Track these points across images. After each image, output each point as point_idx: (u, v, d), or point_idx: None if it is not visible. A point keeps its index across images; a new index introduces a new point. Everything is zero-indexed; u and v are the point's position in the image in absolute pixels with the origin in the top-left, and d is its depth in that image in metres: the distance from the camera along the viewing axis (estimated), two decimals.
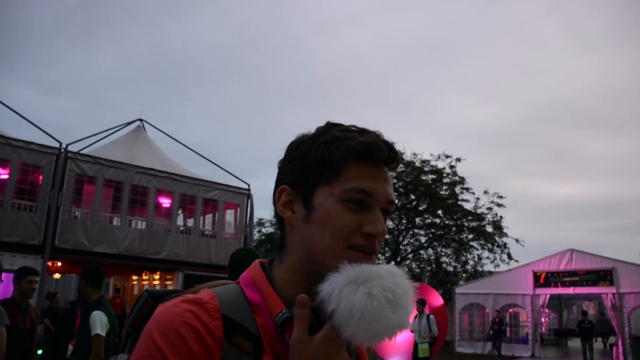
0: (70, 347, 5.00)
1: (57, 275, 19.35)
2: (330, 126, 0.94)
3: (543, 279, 19.62)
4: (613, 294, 18.09)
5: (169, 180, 15.94)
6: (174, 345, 0.76)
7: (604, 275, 18.47)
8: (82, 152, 14.68)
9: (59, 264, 15.72)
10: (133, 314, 1.04)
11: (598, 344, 24.79)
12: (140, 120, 18.36)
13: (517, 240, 26.52)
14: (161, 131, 18.40)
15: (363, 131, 0.92)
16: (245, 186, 17.93)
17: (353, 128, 0.93)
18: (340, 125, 0.95)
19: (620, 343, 18.05)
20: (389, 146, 0.91)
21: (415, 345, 10.34)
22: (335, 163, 0.88)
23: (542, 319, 21.52)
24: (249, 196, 17.83)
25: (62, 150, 13.86)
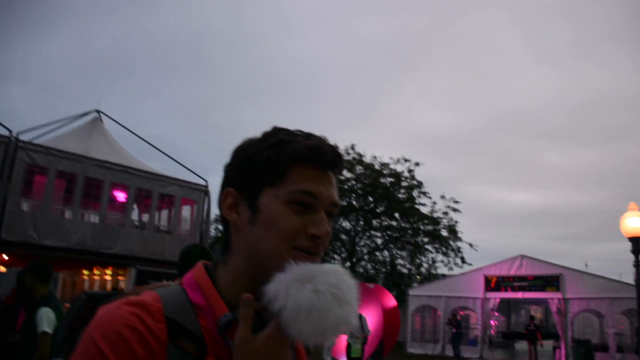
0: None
1: (2, 269, 18.70)
2: (276, 130, 0.95)
3: (494, 284, 20.16)
4: (559, 299, 18.75)
5: (125, 173, 15.59)
6: (117, 349, 0.75)
7: (551, 281, 19.12)
8: (34, 141, 14.20)
9: (5, 257, 15.18)
10: (70, 317, 1.02)
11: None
12: (97, 111, 17.91)
13: (470, 245, 27.19)
14: (118, 123, 17.99)
15: (309, 135, 0.94)
16: (203, 182, 17.72)
17: (299, 132, 0.94)
18: (286, 129, 0.95)
19: (563, 346, 18.72)
20: (334, 150, 0.92)
21: (349, 345, 10.33)
22: (281, 166, 0.89)
23: (492, 322, 22.10)
24: (206, 192, 17.63)
25: (13, 139, 13.39)
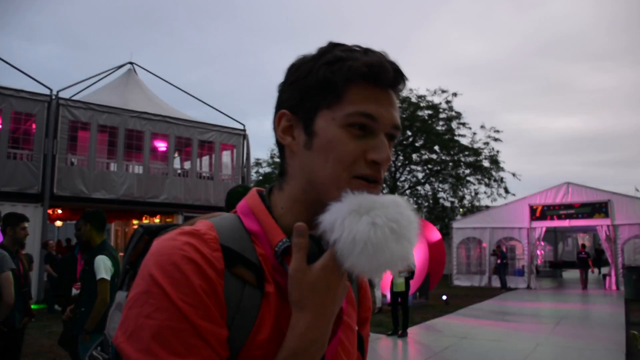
0: (74, 290, 5.06)
1: (58, 223, 19.52)
2: (332, 46, 0.88)
3: (539, 213, 19.87)
4: (608, 225, 18.38)
5: (164, 123, 15.79)
6: (174, 280, 0.73)
7: (599, 208, 18.71)
8: (73, 98, 14.44)
9: (59, 211, 15.80)
10: (129, 251, 0.98)
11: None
12: (131, 63, 18.00)
13: (513, 175, 26.71)
14: (152, 74, 18.09)
15: (367, 51, 0.86)
16: (241, 127, 17.81)
17: (357, 48, 0.87)
18: (343, 45, 0.88)
19: (613, 273, 18.51)
20: (395, 67, 0.85)
21: (393, 279, 9.94)
22: (338, 85, 0.82)
23: (538, 252, 21.95)
24: (244, 137, 17.74)
25: (54, 97, 13.64)
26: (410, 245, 0.79)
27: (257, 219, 0.86)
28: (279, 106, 0.90)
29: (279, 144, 0.90)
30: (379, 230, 0.75)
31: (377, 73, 0.83)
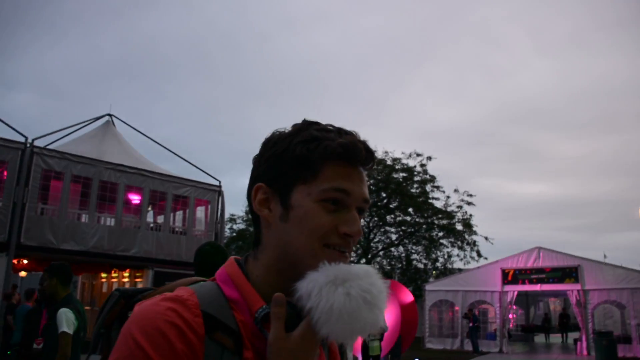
0: (35, 345, 4.88)
1: (22, 274, 18.90)
2: (307, 124, 0.94)
3: (511, 276, 20.00)
4: (578, 290, 18.55)
5: (139, 176, 15.69)
6: (157, 344, 0.75)
7: (569, 273, 18.92)
8: (48, 147, 14.33)
9: (25, 261, 15.34)
10: (104, 314, 1.01)
11: (558, 338, 25.46)
12: (110, 115, 18.03)
13: (486, 238, 26.98)
14: (130, 126, 18.09)
15: (340, 131, 0.93)
16: (217, 183, 17.79)
17: (330, 127, 0.94)
18: (317, 123, 0.94)
19: (584, 338, 18.52)
20: (366, 147, 0.92)
21: (364, 343, 10.00)
22: (314, 163, 0.88)
23: (510, 316, 21.94)
24: (219, 193, 17.69)
25: (28, 145, 13.51)
26: (381, 313, 0.84)
27: (236, 286, 0.89)
28: (255, 179, 0.94)
29: (253, 214, 0.95)
30: (353, 300, 0.80)
31: (351, 153, 0.89)
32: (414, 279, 27.29)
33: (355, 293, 0.80)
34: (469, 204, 27.06)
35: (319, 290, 0.80)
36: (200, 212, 17.80)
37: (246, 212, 29.02)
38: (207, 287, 0.89)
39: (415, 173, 27.04)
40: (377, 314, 0.82)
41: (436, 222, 27.22)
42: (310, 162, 0.88)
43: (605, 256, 29.85)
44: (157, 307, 0.79)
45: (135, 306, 0.83)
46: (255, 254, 0.95)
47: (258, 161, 0.96)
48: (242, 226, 29.30)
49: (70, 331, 4.05)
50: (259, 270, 0.92)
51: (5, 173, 13.30)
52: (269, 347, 0.81)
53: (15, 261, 13.78)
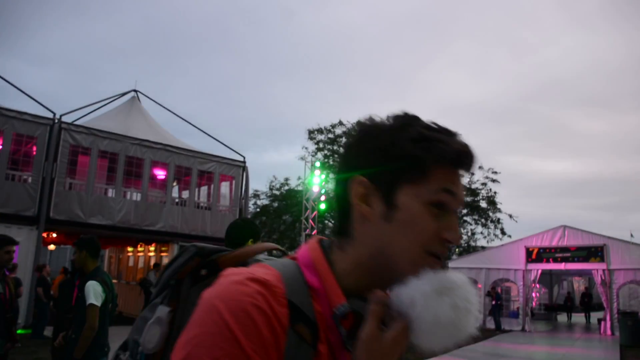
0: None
1: (51, 247, 19.40)
2: (411, 119, 0.90)
3: (535, 255, 19.81)
4: (603, 270, 18.31)
5: (164, 151, 15.87)
6: (246, 328, 0.74)
7: (595, 252, 18.66)
8: (76, 122, 14.56)
9: (54, 235, 15.74)
10: (176, 266, 0.99)
11: (581, 318, 25.29)
12: (135, 91, 18.20)
13: (510, 216, 26.78)
14: (156, 102, 18.25)
15: (449, 133, 0.89)
16: (241, 158, 17.90)
17: (436, 127, 0.90)
18: (421, 120, 0.90)
19: (608, 318, 18.35)
20: (475, 155, 0.90)
21: None
22: (426, 164, 0.85)
23: (533, 294, 21.80)
24: (244, 168, 17.81)
25: (56, 120, 13.74)
26: (477, 321, 0.83)
27: (319, 274, 0.87)
28: (351, 169, 0.90)
29: (342, 203, 0.91)
30: (459, 312, 0.79)
31: (463, 160, 0.87)
32: None
33: (462, 304, 0.79)
34: (493, 181, 26.81)
35: (425, 300, 0.79)
36: (224, 187, 17.97)
37: (271, 188, 29.17)
38: (291, 271, 0.86)
39: None
40: (475, 323, 0.81)
41: None
42: (422, 163, 0.85)
43: (632, 235, 29.29)
44: (246, 287, 0.77)
45: (221, 278, 0.81)
46: (341, 245, 0.91)
47: (354, 150, 0.91)
48: (265, 202, 29.48)
49: (98, 303, 4.15)
50: (345, 264, 0.89)
51: (34, 148, 13.58)
52: (361, 342, 0.79)
53: (44, 235, 14.14)
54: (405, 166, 0.85)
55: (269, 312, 0.76)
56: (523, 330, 19.45)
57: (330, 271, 0.87)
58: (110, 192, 15.30)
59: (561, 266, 19.70)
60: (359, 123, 0.94)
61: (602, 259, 18.41)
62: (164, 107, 18.21)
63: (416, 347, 0.83)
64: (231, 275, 0.80)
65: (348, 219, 0.90)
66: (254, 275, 0.79)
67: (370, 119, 0.92)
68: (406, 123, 0.89)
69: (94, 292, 4.16)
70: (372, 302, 0.82)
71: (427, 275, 0.82)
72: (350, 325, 0.84)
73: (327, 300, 0.84)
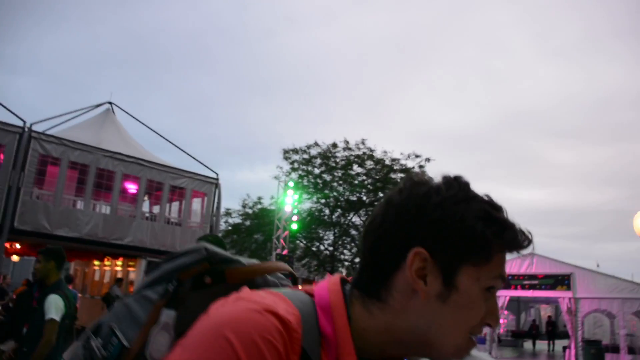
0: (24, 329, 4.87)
1: (15, 258, 18.88)
2: (468, 189, 0.85)
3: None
4: (569, 298, 18.58)
5: (136, 165, 15.67)
6: None
7: (562, 280, 18.94)
8: (47, 132, 14.31)
9: (18, 245, 15.33)
10: (180, 265, 0.90)
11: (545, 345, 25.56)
12: (110, 103, 18.00)
13: None
14: (131, 115, 18.09)
15: (507, 221, 0.83)
16: (214, 175, 17.78)
17: (495, 204, 0.84)
18: (483, 199, 0.84)
19: (573, 345, 18.57)
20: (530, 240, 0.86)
21: None
22: (492, 249, 0.80)
23: (501, 320, 21.97)
24: (217, 185, 17.68)
25: (26, 129, 13.48)
26: None
27: (334, 323, 0.79)
28: (410, 239, 0.81)
29: (385, 267, 0.83)
30: None
31: (523, 247, 0.83)
32: None
33: None
34: None
35: None
36: (196, 203, 17.79)
37: (243, 206, 28.94)
38: (309, 312, 0.78)
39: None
40: None
41: None
42: (489, 247, 0.79)
43: (598, 265, 29.86)
44: (261, 317, 0.69)
45: (235, 297, 0.74)
46: (367, 305, 0.82)
47: (413, 214, 0.82)
48: (237, 220, 29.23)
49: (58, 318, 4.02)
50: (366, 324, 0.81)
51: (1, 157, 13.27)
52: None
53: (7, 245, 13.77)
54: (472, 246, 0.79)
55: (284, 357, 0.69)
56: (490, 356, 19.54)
57: (347, 323, 0.79)
58: (79, 204, 15.00)
59: (529, 293, 19.92)
60: (409, 179, 0.87)
61: (568, 287, 18.68)
62: (138, 121, 18.04)
63: None
64: (248, 300, 0.73)
65: (386, 284, 0.82)
66: (275, 309, 0.71)
67: (422, 179, 0.86)
68: (469, 197, 0.83)
69: (55, 307, 4.03)
70: None
71: (470, 359, 0.81)
72: None
73: (336, 353, 0.77)
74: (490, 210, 0.82)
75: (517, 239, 0.82)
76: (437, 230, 0.80)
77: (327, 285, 0.85)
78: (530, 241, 0.83)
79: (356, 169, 26.64)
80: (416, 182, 0.86)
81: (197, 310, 0.75)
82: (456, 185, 0.84)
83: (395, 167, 26.87)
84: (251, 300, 0.72)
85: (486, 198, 0.84)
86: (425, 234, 0.80)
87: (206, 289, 0.87)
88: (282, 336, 0.69)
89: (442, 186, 0.84)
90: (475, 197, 0.83)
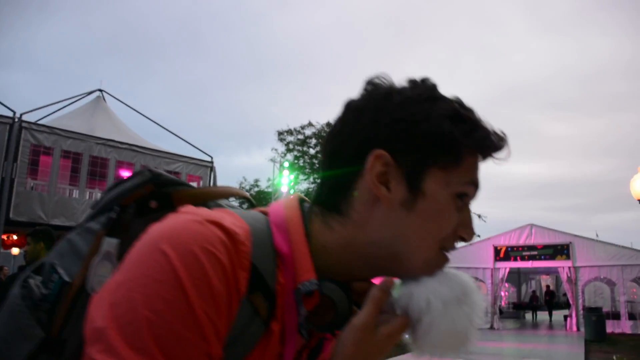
0: None
1: (15, 251, 18.80)
2: (436, 90, 0.77)
3: (503, 253, 20.11)
4: (569, 267, 18.69)
5: (130, 151, 15.57)
6: (199, 282, 0.59)
7: (561, 250, 19.04)
8: (38, 122, 14.17)
9: (15, 237, 15.28)
10: (124, 189, 0.81)
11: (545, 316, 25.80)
12: (100, 90, 17.82)
13: (479, 216, 27.14)
14: (121, 102, 17.91)
15: (479, 123, 0.76)
16: (208, 158, 17.69)
17: (466, 105, 0.77)
18: (450, 100, 0.76)
19: (574, 314, 18.71)
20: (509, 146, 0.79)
21: None
22: (461, 150, 0.72)
23: (502, 293, 22.13)
24: (212, 169, 17.60)
25: (16, 119, 13.34)
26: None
27: (290, 239, 0.73)
28: (369, 140, 0.73)
29: (345, 177, 0.76)
30: (473, 323, 0.73)
31: (497, 150, 0.76)
32: None
33: (476, 316, 0.73)
34: None
35: (444, 307, 0.70)
36: None
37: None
38: (261, 228, 0.72)
39: None
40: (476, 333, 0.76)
41: None
42: (459, 148, 0.72)
43: (597, 235, 30.03)
44: (203, 228, 0.63)
45: (173, 215, 0.66)
46: (325, 219, 0.76)
47: (371, 115, 0.74)
48: (234, 203, 29.29)
49: None
50: (326, 240, 0.75)
51: None
52: (352, 330, 0.69)
53: (4, 237, 13.71)
54: (439, 148, 0.72)
55: (229, 270, 0.62)
56: (492, 328, 19.69)
57: (305, 240, 0.74)
58: (74, 193, 14.93)
59: (528, 264, 20.04)
60: (370, 82, 0.78)
61: (568, 257, 18.79)
62: (129, 107, 17.90)
63: (413, 348, 0.74)
64: (188, 213, 0.67)
65: (346, 194, 0.75)
66: (219, 220, 0.65)
67: (384, 79, 0.77)
68: (436, 96, 0.76)
69: None
70: (380, 287, 0.71)
71: (446, 278, 0.74)
72: (312, 307, 0.72)
73: (293, 271, 0.71)
74: (459, 109, 0.74)
75: (489, 139, 0.74)
76: (400, 130, 0.72)
77: (283, 203, 0.79)
78: (504, 142, 0.76)
79: None
80: (377, 83, 0.78)
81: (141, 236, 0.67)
82: (422, 86, 0.77)
83: None
84: (190, 212, 0.67)
85: (455, 99, 0.77)
86: (386, 135, 0.73)
87: (152, 215, 0.77)
88: (226, 248, 0.63)
89: (406, 86, 0.77)
90: (442, 97, 0.76)
